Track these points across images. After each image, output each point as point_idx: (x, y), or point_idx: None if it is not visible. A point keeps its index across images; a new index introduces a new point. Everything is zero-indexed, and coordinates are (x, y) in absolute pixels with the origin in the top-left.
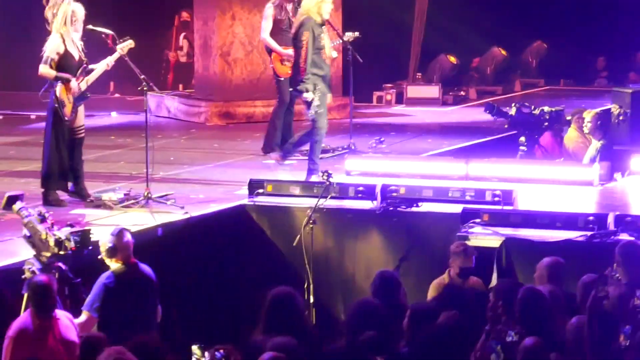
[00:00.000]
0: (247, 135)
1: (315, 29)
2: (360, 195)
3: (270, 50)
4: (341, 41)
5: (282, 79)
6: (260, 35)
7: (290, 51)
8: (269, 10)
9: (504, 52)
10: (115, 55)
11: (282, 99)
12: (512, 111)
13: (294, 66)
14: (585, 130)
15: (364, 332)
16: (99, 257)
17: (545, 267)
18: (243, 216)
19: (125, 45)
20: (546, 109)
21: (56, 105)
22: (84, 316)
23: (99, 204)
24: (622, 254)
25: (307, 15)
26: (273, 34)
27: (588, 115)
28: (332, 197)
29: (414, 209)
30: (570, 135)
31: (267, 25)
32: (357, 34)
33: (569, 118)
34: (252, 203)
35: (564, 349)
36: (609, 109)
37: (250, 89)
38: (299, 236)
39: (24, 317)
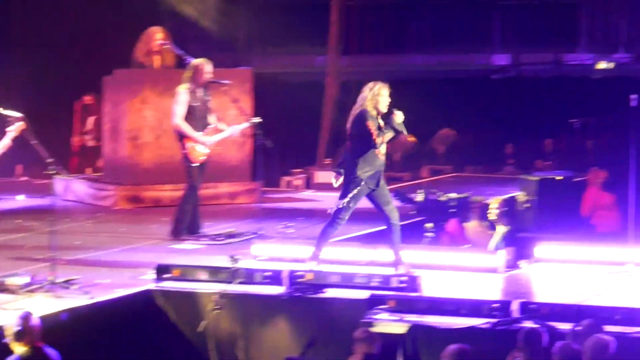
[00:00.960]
0: (154, 219)
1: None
2: (267, 280)
3: (182, 136)
4: (248, 124)
5: (194, 164)
6: (172, 120)
7: (207, 138)
8: (183, 96)
9: (412, 139)
10: (6, 138)
11: (193, 184)
12: (419, 198)
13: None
14: (491, 217)
15: None
16: (4, 340)
17: (450, 354)
18: (149, 301)
19: (15, 128)
20: (452, 195)
21: None
22: None
23: (3, 289)
24: (525, 340)
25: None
26: (187, 119)
27: (493, 202)
28: (239, 283)
29: (320, 294)
30: (471, 224)
31: (180, 110)
32: (258, 119)
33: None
34: (158, 288)
35: None
36: (515, 196)
37: (159, 173)
38: (204, 322)
39: None
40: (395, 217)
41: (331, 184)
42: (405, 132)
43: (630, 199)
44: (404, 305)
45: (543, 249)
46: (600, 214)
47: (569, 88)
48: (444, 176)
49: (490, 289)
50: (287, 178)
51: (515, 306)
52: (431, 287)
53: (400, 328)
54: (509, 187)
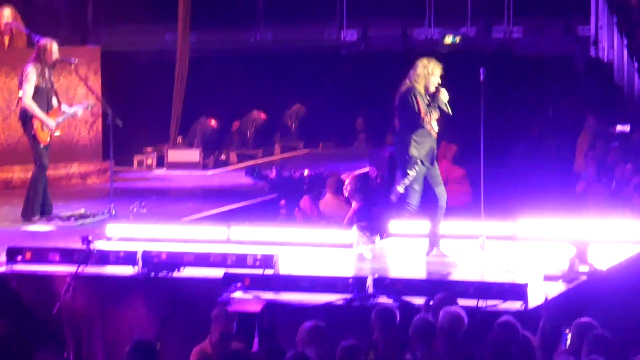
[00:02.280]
0: (4, 201)
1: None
2: (121, 261)
3: (28, 117)
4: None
5: (42, 145)
6: (22, 100)
7: (52, 119)
8: (32, 76)
9: (263, 115)
10: None
11: (42, 163)
12: (273, 174)
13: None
14: (345, 193)
15: None
16: None
17: (307, 330)
18: (1, 284)
19: None
20: (306, 172)
21: None
22: None
23: None
24: (377, 318)
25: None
26: (33, 99)
27: (347, 178)
28: (92, 264)
29: (175, 274)
30: (326, 198)
31: (30, 89)
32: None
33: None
34: (10, 271)
35: None
36: (368, 172)
37: (8, 154)
38: (58, 303)
39: None
40: (444, 199)
41: (184, 162)
42: (449, 111)
43: (481, 172)
44: (259, 283)
45: (396, 223)
46: (451, 188)
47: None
48: (296, 152)
49: (346, 265)
50: (139, 157)
51: (370, 282)
52: (286, 264)
53: (256, 306)
54: (362, 162)
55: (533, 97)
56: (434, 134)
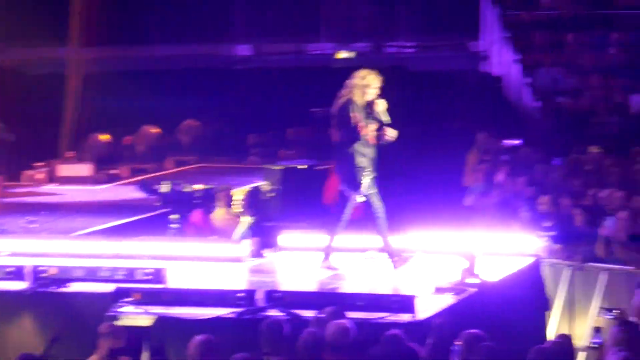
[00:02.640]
0: None
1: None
2: (9, 276)
3: None
4: None
5: None
6: None
7: None
8: None
9: (156, 130)
10: None
11: None
12: (164, 189)
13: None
14: (235, 208)
15: None
16: None
17: (196, 345)
18: None
19: None
20: (197, 187)
21: None
22: None
23: None
24: (266, 331)
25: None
26: None
27: (237, 193)
28: None
29: (64, 289)
30: (218, 213)
31: None
32: None
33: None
34: None
35: None
36: (260, 186)
37: None
38: None
39: None
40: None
41: (75, 177)
42: (388, 119)
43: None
44: (150, 298)
45: (287, 237)
46: None
47: (311, 78)
48: (188, 167)
49: (236, 279)
50: (29, 172)
51: (260, 295)
52: (177, 278)
53: (145, 320)
54: (254, 176)
55: (425, 112)
56: (373, 143)
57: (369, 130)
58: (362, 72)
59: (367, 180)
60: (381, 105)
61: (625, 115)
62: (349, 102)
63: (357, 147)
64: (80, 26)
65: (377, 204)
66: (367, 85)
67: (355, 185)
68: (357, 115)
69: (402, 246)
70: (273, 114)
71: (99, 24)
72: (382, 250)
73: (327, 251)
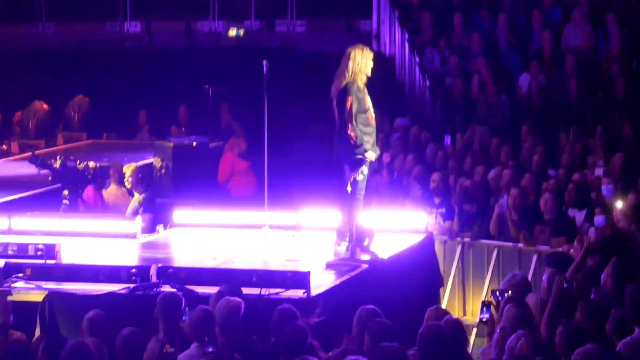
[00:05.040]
0: None
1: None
2: None
3: None
4: None
5: None
6: None
7: None
8: None
9: (46, 106)
10: None
11: None
12: (57, 164)
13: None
14: (127, 184)
15: None
16: None
17: (87, 320)
18: None
19: None
20: (91, 164)
21: None
22: None
23: None
24: (161, 305)
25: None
26: None
27: (128, 169)
28: None
29: None
30: (110, 189)
31: None
32: None
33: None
34: None
35: None
36: (152, 163)
37: None
38: None
39: None
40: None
41: None
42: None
43: (265, 164)
44: (41, 273)
45: (180, 214)
46: (236, 179)
47: (201, 55)
48: (80, 143)
49: (129, 255)
50: None
51: (153, 271)
52: (69, 254)
53: (37, 296)
54: (145, 153)
55: (315, 92)
56: (373, 123)
57: (370, 111)
58: (358, 49)
59: (367, 162)
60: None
61: (513, 95)
62: (352, 84)
63: (363, 128)
64: None
65: (361, 186)
66: (366, 59)
67: (356, 165)
68: (364, 98)
69: (295, 222)
70: (164, 92)
71: None
72: (342, 230)
73: (341, 232)
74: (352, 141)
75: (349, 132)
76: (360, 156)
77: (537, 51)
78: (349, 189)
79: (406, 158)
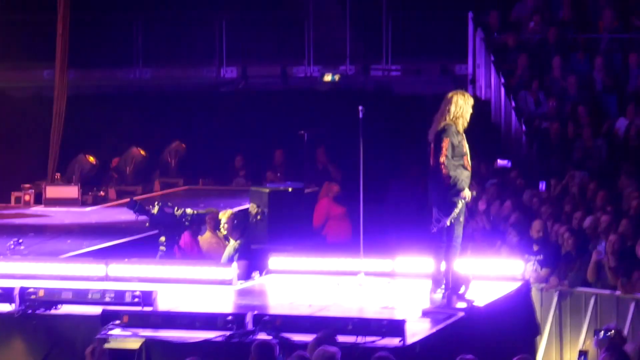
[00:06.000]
0: None
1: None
2: None
3: None
4: None
5: None
6: None
7: None
8: None
9: (143, 152)
10: None
11: None
12: (155, 210)
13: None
14: (223, 231)
15: None
16: None
17: None
18: None
19: None
20: (188, 210)
21: None
22: None
23: None
24: (256, 352)
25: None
26: None
27: (224, 215)
28: None
29: (53, 311)
30: (205, 236)
31: None
32: None
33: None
34: None
35: None
36: (247, 209)
37: None
38: None
39: None
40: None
41: (62, 199)
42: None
43: (361, 209)
44: (138, 320)
45: (276, 260)
46: (331, 225)
47: (297, 100)
48: (176, 189)
49: (225, 302)
50: (16, 193)
51: (249, 318)
52: (166, 301)
53: (134, 343)
54: (241, 199)
55: (411, 135)
56: (469, 168)
57: (444, 161)
58: (459, 94)
59: (460, 205)
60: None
61: (610, 138)
62: (450, 127)
63: (457, 173)
64: (66, 48)
65: (458, 233)
66: (467, 105)
67: (448, 210)
68: (445, 142)
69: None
70: (259, 136)
71: (84, 46)
72: (437, 278)
73: (437, 279)
74: (445, 183)
75: (443, 171)
76: (454, 198)
77: (634, 93)
78: (433, 229)
79: (503, 204)
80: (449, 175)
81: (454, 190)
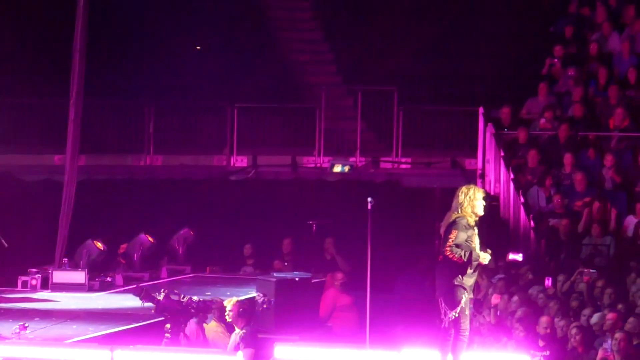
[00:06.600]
0: None
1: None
2: None
3: None
4: None
5: None
6: None
7: None
8: None
9: (151, 239)
10: None
11: None
12: (161, 297)
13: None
14: (227, 318)
15: None
16: None
17: None
18: None
19: None
20: (195, 298)
21: None
22: None
23: None
24: None
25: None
26: None
27: (229, 303)
28: None
29: None
30: (210, 325)
31: None
32: None
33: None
34: None
35: None
36: (254, 297)
37: None
38: None
39: None
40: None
41: (68, 284)
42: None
43: (367, 300)
44: None
45: (281, 349)
46: (337, 316)
47: (306, 189)
48: (183, 276)
49: None
50: (23, 277)
51: None
52: None
53: None
54: (248, 287)
55: (419, 227)
56: (475, 263)
57: (450, 253)
58: (464, 188)
59: (465, 299)
60: (485, 258)
61: (618, 236)
62: (460, 220)
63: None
64: (77, 134)
65: (465, 326)
66: (473, 199)
67: (454, 303)
68: (452, 234)
69: None
70: (268, 225)
71: (95, 132)
72: None
73: None
74: (459, 263)
75: (447, 254)
76: (459, 292)
77: None
78: (444, 324)
79: (511, 299)
80: (460, 257)
81: (459, 279)
